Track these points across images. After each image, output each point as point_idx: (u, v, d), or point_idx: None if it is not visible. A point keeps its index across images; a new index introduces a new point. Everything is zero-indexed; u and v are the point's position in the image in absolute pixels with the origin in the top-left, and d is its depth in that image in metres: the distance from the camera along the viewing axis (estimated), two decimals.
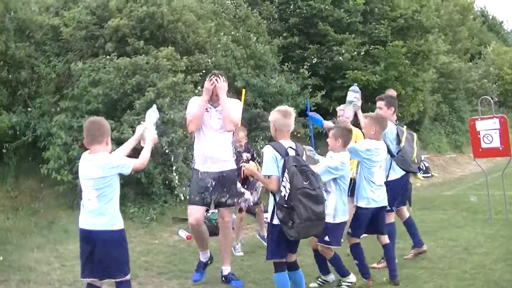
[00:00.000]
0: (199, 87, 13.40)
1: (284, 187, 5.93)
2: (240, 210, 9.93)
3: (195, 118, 7.45)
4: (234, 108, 7.54)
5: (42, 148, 12.53)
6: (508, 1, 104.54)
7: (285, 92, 14.99)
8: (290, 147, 6.11)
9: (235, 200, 7.91)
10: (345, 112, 9.57)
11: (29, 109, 13.22)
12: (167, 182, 12.19)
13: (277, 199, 6.03)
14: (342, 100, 17.22)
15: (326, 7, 17.53)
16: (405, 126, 9.11)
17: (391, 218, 8.55)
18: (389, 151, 8.36)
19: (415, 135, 9.08)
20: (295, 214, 5.84)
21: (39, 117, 13.04)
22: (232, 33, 15.74)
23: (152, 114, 6.55)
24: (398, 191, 8.60)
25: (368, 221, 7.49)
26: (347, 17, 17.76)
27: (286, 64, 16.59)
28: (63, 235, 10.70)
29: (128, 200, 11.90)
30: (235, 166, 7.70)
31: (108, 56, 12.61)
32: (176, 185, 12.04)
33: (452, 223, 11.75)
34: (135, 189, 12.02)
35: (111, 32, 13.26)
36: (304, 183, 5.89)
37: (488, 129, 12.04)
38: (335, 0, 18.17)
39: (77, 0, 14.58)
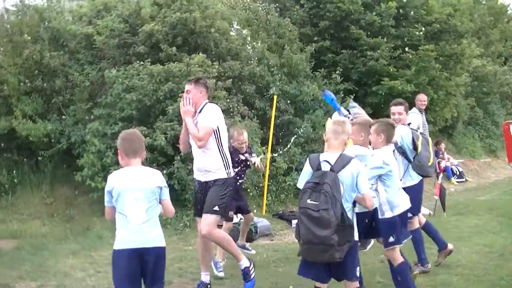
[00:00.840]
0: (231, 94, 13.48)
1: None
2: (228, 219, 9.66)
3: (181, 141, 7.65)
4: (202, 121, 7.35)
5: (76, 156, 12.67)
6: None
7: (318, 99, 14.96)
8: (326, 161, 5.75)
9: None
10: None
11: (63, 117, 13.40)
12: None
13: None
14: (376, 106, 17.25)
15: (356, 9, 17.46)
16: (419, 130, 9.08)
17: (415, 224, 8.47)
18: (406, 157, 8.39)
19: (429, 139, 8.92)
20: (299, 233, 5.71)
21: (73, 125, 13.21)
22: (267, 41, 15.77)
23: None
24: (417, 196, 8.47)
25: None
26: (379, 20, 17.66)
27: (318, 70, 16.54)
28: (97, 241, 10.79)
29: None
30: (222, 176, 7.53)
31: (141, 63, 12.68)
32: None
33: (487, 228, 11.56)
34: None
35: (145, 37, 13.36)
36: (308, 202, 5.56)
37: None
38: (366, 3, 18.08)
39: (110, 8, 14.72)
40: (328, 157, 5.77)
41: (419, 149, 8.44)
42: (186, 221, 11.79)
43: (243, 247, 9.62)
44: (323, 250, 5.55)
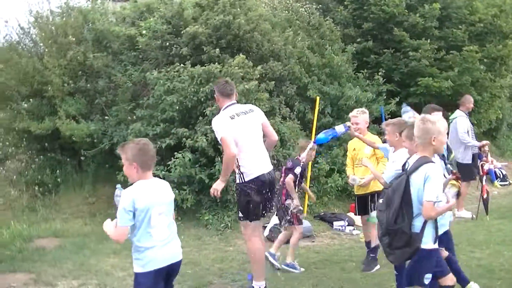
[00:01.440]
0: (273, 96, 13.47)
1: None
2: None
3: None
4: None
5: (118, 156, 12.70)
6: None
7: (361, 101, 14.89)
8: (408, 162, 5.72)
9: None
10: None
11: (106, 117, 13.55)
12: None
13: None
14: (417, 106, 17.08)
15: (400, 11, 17.35)
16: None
17: None
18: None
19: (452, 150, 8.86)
20: None
21: (116, 125, 13.33)
22: (308, 41, 15.73)
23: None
24: None
25: None
26: (423, 22, 17.52)
27: (361, 71, 16.47)
28: None
29: (203, 207, 12.05)
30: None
31: (183, 64, 12.73)
32: None
33: None
34: (209, 197, 12.06)
35: (188, 39, 13.41)
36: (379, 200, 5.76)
37: None
38: (410, 5, 17.96)
39: (153, 10, 14.85)
40: (412, 158, 5.68)
41: (452, 154, 8.38)
42: (227, 221, 11.83)
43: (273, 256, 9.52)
44: (383, 251, 5.78)
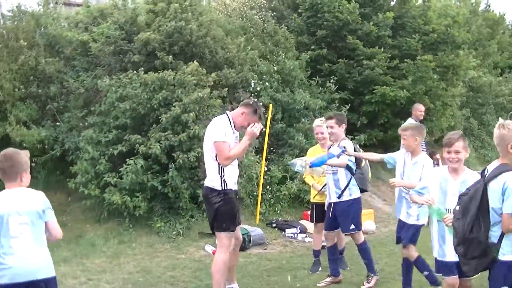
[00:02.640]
0: (226, 102, 13.46)
1: None
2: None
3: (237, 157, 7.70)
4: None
5: (70, 163, 12.66)
6: None
7: (311, 107, 14.97)
8: (487, 169, 5.41)
9: None
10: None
11: (57, 123, 13.39)
12: (194, 197, 12.21)
13: None
14: (370, 114, 17.29)
15: (354, 19, 17.48)
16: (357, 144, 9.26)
17: (360, 237, 8.75)
18: (349, 169, 8.57)
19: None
20: None
21: (68, 132, 13.21)
22: (262, 48, 15.76)
23: None
24: (360, 210, 8.89)
25: None
26: (377, 30, 17.69)
27: (314, 78, 16.58)
28: (90, 249, 10.79)
29: (155, 214, 11.98)
30: None
31: (135, 72, 12.66)
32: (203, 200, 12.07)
33: None
34: (162, 204, 12.08)
35: (141, 45, 13.34)
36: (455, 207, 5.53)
37: None
38: (364, 13, 18.11)
39: (106, 15, 14.72)
40: (492, 165, 5.38)
41: (363, 162, 8.77)
42: (179, 229, 11.78)
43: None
44: (459, 261, 5.53)
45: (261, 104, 7.99)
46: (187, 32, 13.32)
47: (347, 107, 16.15)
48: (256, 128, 7.44)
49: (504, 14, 36.49)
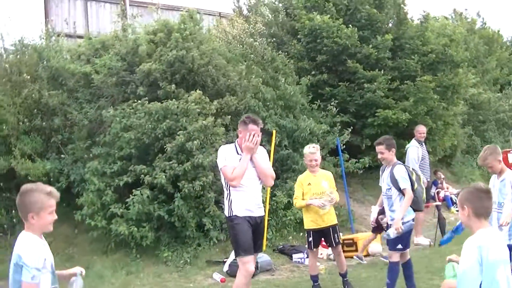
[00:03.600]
0: (229, 130, 13.52)
1: None
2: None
3: (240, 176, 7.59)
4: (265, 161, 7.95)
5: (75, 194, 12.68)
6: None
7: (315, 133, 15.02)
8: None
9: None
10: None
11: (62, 155, 13.42)
12: (200, 226, 12.24)
13: None
14: (373, 137, 17.32)
15: (353, 43, 17.59)
16: (409, 167, 9.34)
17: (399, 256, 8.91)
18: (402, 192, 8.64)
19: (421, 174, 9.34)
20: None
21: (72, 164, 13.23)
22: (263, 75, 15.84)
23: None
24: (411, 231, 9.02)
25: None
26: (376, 53, 17.78)
27: (315, 102, 16.64)
28: (98, 281, 10.80)
29: (162, 244, 12.00)
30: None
31: (139, 101, 12.73)
32: (209, 228, 12.09)
33: None
34: (168, 233, 12.10)
35: (143, 76, 13.42)
36: None
37: None
38: (362, 37, 18.22)
39: (108, 47, 14.84)
40: None
41: (416, 185, 8.74)
42: (186, 258, 11.79)
43: None
44: None
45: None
46: (189, 60, 13.40)
47: (350, 130, 16.19)
48: (248, 142, 7.54)
49: (498, 31, 36.72)
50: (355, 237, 13.50)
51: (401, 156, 16.94)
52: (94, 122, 13.55)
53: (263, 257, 11.81)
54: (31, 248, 4.61)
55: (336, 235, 9.77)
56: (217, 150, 12.24)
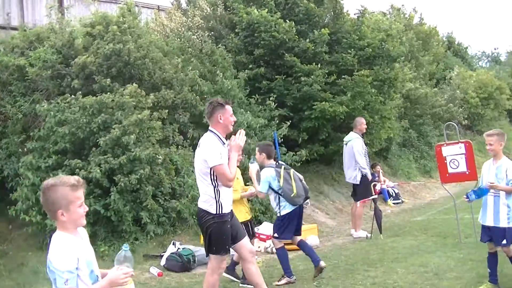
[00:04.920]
0: (166, 124, 13.46)
1: None
2: None
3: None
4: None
5: (10, 189, 12.46)
6: (472, 27, 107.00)
7: (252, 126, 15.06)
8: None
9: None
10: None
11: None
12: (137, 220, 12.16)
13: None
14: (310, 130, 17.47)
15: (290, 37, 17.68)
16: (283, 166, 9.88)
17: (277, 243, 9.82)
18: (275, 190, 9.64)
19: (291, 171, 9.87)
20: None
21: (6, 158, 12.96)
22: (200, 68, 15.80)
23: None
24: (289, 222, 9.77)
25: None
26: (313, 47, 17.91)
27: (253, 96, 16.70)
28: (32, 277, 10.62)
29: (98, 238, 11.86)
30: None
31: (73, 96, 12.57)
32: (146, 222, 12.02)
33: (423, 248, 11.84)
34: (105, 227, 11.98)
35: (78, 69, 13.28)
36: None
37: (454, 154, 12.26)
38: (300, 31, 18.33)
39: (43, 39, 14.60)
40: None
41: (281, 184, 9.60)
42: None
43: None
44: None
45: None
46: (125, 53, 13.31)
47: (288, 123, 16.27)
48: (238, 139, 7.35)
49: (435, 27, 37.45)
50: None
51: (338, 150, 17.17)
52: (28, 116, 13.33)
53: (200, 250, 11.77)
54: (60, 250, 4.23)
55: (253, 227, 10.34)
56: (153, 144, 12.29)
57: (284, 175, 9.63)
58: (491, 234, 8.17)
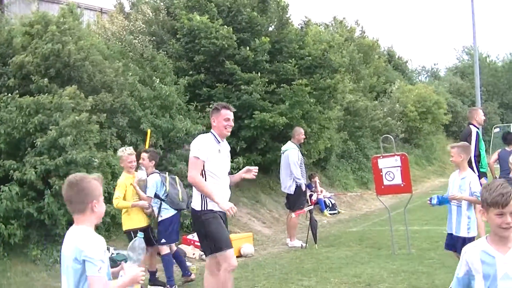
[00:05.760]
0: (105, 127, 13.33)
1: None
2: None
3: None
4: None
5: None
6: (411, 42, 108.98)
7: (191, 133, 15.02)
8: None
9: None
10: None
11: None
12: (71, 223, 11.94)
13: None
14: (249, 139, 17.49)
15: (231, 44, 17.69)
16: (167, 173, 10.74)
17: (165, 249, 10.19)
18: (158, 196, 10.16)
19: (176, 177, 10.74)
20: None
21: None
22: (140, 73, 15.69)
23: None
24: (173, 226, 10.33)
25: None
26: (254, 56, 17.95)
27: (192, 103, 16.66)
28: None
29: (31, 242, 11.65)
30: None
31: (10, 94, 12.33)
32: None
33: (357, 259, 12.01)
34: (38, 231, 11.77)
35: (15, 68, 13.05)
36: None
37: (390, 166, 12.43)
38: (242, 39, 18.36)
39: None
40: None
41: (167, 188, 10.24)
42: (56, 256, 11.49)
43: None
44: None
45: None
46: (65, 54, 13.13)
47: None
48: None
49: (377, 40, 38.01)
50: None
51: (275, 159, 17.22)
52: None
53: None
54: (93, 240, 4.29)
55: (153, 233, 10.45)
56: (90, 147, 12.13)
57: (170, 180, 10.40)
58: (454, 243, 8.38)
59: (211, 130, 7.82)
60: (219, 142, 7.62)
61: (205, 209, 7.30)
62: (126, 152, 10.21)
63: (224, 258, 7.34)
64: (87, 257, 4.17)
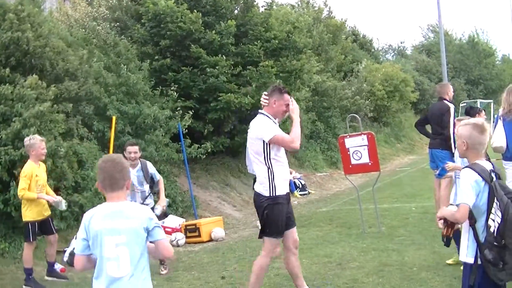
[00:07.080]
0: (70, 116, 13.19)
1: (493, 220, 4.86)
2: None
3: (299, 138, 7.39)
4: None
5: None
6: (378, 21, 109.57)
7: (159, 118, 14.94)
8: (493, 170, 5.01)
9: None
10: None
11: None
12: None
13: (485, 235, 4.88)
14: (216, 122, 17.45)
15: (197, 28, 17.60)
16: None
17: None
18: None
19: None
20: (508, 254, 4.79)
21: None
22: (104, 60, 15.55)
23: None
24: None
25: None
26: (219, 39, 17.88)
27: (157, 88, 16.57)
28: None
29: None
30: None
31: None
32: None
33: (327, 239, 12.05)
34: (5, 223, 11.61)
35: None
36: None
37: (357, 145, 12.42)
38: (207, 22, 18.27)
39: None
40: (490, 166, 5.06)
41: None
42: None
43: None
44: None
45: None
46: (23, 42, 12.89)
47: (190, 114, 16.21)
48: (293, 106, 7.33)
49: (345, 21, 38.07)
50: (198, 222, 13.61)
51: (243, 142, 17.16)
52: None
53: None
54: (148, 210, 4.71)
55: (53, 224, 10.45)
56: (56, 137, 11.97)
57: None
58: None
59: (264, 112, 7.43)
60: (275, 123, 7.36)
61: (273, 195, 7.24)
62: (38, 139, 9.92)
63: (271, 243, 7.39)
64: (157, 224, 4.54)
